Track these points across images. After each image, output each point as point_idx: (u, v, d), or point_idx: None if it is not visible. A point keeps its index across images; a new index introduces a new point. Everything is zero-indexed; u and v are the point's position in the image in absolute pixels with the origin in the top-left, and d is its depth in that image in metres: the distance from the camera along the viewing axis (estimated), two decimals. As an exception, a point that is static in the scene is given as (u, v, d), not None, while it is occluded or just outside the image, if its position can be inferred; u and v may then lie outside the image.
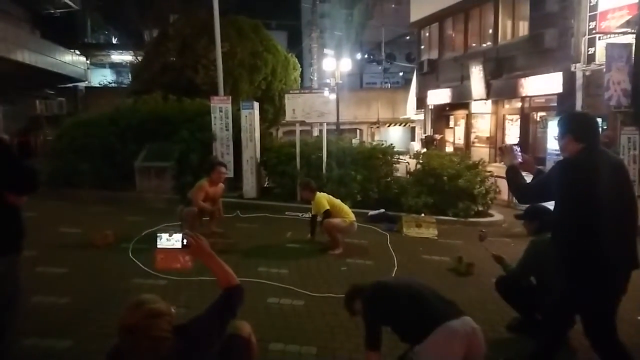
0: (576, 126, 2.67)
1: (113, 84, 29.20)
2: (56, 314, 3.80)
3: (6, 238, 2.47)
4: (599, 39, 9.87)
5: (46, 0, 22.53)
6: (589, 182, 2.51)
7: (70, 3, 23.40)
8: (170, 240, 2.10)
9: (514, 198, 3.05)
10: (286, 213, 7.84)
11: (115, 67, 32.52)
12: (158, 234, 2.11)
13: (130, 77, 19.88)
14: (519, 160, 2.93)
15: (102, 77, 30.49)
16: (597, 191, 2.48)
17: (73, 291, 4.27)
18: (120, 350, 1.90)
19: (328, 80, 22.86)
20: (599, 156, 2.59)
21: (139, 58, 18.95)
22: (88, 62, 28.01)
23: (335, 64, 20.04)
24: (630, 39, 8.84)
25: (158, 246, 2.10)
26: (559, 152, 9.08)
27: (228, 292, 2.16)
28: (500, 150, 3.07)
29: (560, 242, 2.66)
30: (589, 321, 2.66)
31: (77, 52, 25.92)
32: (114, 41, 33.15)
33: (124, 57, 29.49)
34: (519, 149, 2.99)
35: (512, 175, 2.88)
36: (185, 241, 2.09)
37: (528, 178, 2.97)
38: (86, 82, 27.20)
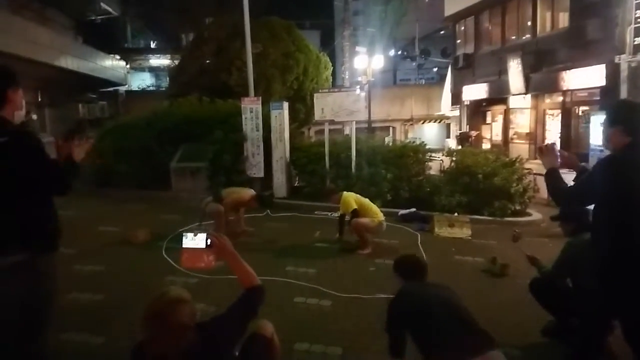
0: (629, 117, 2.42)
1: (152, 88, 30.15)
2: (91, 311, 3.95)
3: (43, 237, 2.57)
4: (647, 28, 9.33)
5: (88, 8, 23.50)
6: (632, 180, 2.33)
7: (111, 10, 24.34)
8: (195, 240, 2.16)
9: (555, 203, 2.76)
10: (315, 212, 7.84)
11: (154, 70, 33.58)
12: (184, 233, 2.18)
13: (168, 80, 20.46)
14: (559, 161, 2.66)
15: (141, 81, 31.53)
16: (637, 189, 2.32)
17: (108, 288, 4.43)
18: (143, 347, 1.96)
19: (359, 78, 22.73)
20: None
21: (176, 62, 19.51)
22: (128, 66, 29.04)
23: (367, 61, 19.88)
24: (681, 26, 8.31)
25: (183, 245, 2.16)
26: (602, 148, 8.63)
27: (249, 292, 2.19)
28: (539, 150, 2.73)
29: (599, 242, 2.51)
30: (629, 326, 2.50)
31: (117, 57, 26.92)
32: (153, 46, 34.24)
33: (162, 61, 30.42)
34: (558, 147, 2.75)
35: (552, 179, 2.59)
36: (209, 241, 2.14)
37: (570, 176, 2.77)
38: (126, 85, 28.21)
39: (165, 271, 4.84)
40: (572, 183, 2.73)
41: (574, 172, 2.86)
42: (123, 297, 4.17)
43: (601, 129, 2.61)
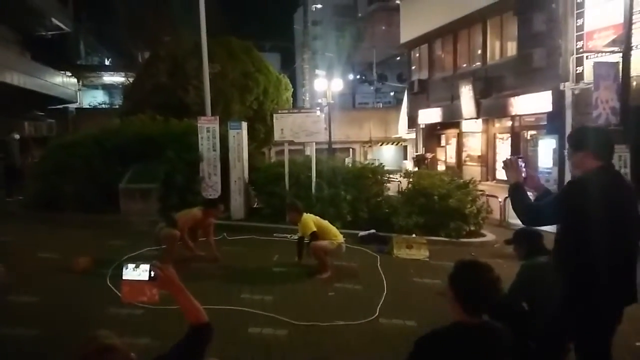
0: (597, 142, 2.46)
1: (105, 105, 29.12)
2: (23, 347, 3.57)
3: None
4: (587, 58, 9.93)
5: (38, 23, 22.52)
6: (605, 205, 2.31)
7: (62, 25, 23.45)
8: (137, 271, 1.94)
9: (519, 219, 2.62)
10: (274, 234, 7.64)
11: (107, 88, 32.47)
12: (124, 264, 1.95)
13: (121, 98, 19.81)
14: (524, 176, 2.64)
15: (92, 98, 30.43)
16: (612, 217, 2.31)
17: (44, 322, 4.04)
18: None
19: (320, 100, 22.94)
20: (612, 177, 2.44)
21: (131, 79, 18.96)
22: (80, 83, 27.96)
23: (327, 84, 20.13)
24: (617, 57, 8.89)
25: (123, 277, 1.94)
26: (550, 170, 8.93)
27: (196, 330, 1.99)
28: (504, 164, 2.72)
29: (563, 264, 2.49)
30: (583, 351, 2.49)
31: (68, 74, 25.87)
32: (107, 63, 33.25)
33: (115, 78, 29.51)
34: (523, 163, 2.70)
35: (517, 194, 2.55)
36: (152, 273, 1.93)
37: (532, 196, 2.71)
38: (77, 103, 27.08)
39: (108, 302, 4.47)
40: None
41: (536, 193, 2.83)
42: (60, 332, 3.80)
43: (555, 153, 2.63)
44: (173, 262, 5.44)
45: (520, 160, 2.70)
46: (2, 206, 9.77)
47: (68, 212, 8.64)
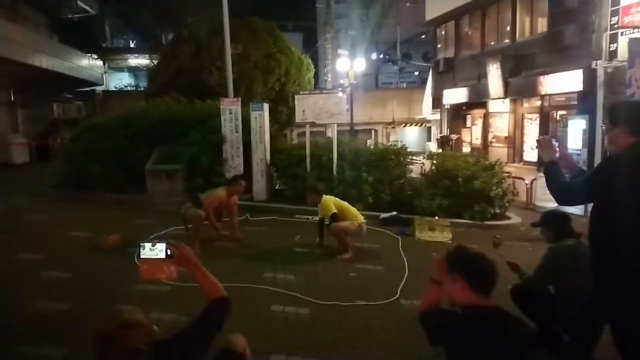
0: (634, 117, 2.37)
1: (130, 88, 29.57)
2: (56, 321, 3.73)
3: None
4: (622, 35, 9.47)
5: (64, 6, 22.87)
6: (636, 182, 2.23)
7: (88, 8, 23.74)
8: (154, 250, 2.00)
9: (554, 199, 2.55)
10: (296, 216, 7.70)
11: (132, 70, 32.92)
12: (141, 244, 2.01)
13: (146, 80, 20.06)
14: (558, 155, 2.59)
15: (118, 81, 30.90)
16: None
17: (75, 297, 4.20)
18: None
19: (342, 81, 22.71)
20: None
21: (155, 61, 19.14)
22: (106, 66, 28.41)
23: (349, 64, 19.87)
24: (655, 33, 8.47)
25: (141, 256, 2.00)
26: (579, 152, 8.67)
27: (213, 305, 2.04)
28: (537, 143, 2.66)
29: (594, 245, 2.42)
30: (621, 337, 2.43)
31: (94, 56, 26.30)
32: (132, 45, 33.59)
33: (140, 60, 29.84)
34: (557, 143, 2.65)
35: (552, 172, 2.50)
36: (169, 251, 1.98)
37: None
38: (103, 85, 27.58)
39: (136, 279, 4.61)
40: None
41: (569, 172, 2.75)
42: (90, 306, 3.94)
43: (585, 133, 2.54)
44: (199, 241, 5.61)
45: (553, 139, 2.65)
46: (34, 186, 10.12)
47: (97, 192, 8.90)
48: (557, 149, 2.59)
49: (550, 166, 2.53)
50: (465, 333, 1.92)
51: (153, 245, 1.99)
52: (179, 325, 3.49)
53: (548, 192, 2.58)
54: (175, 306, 3.93)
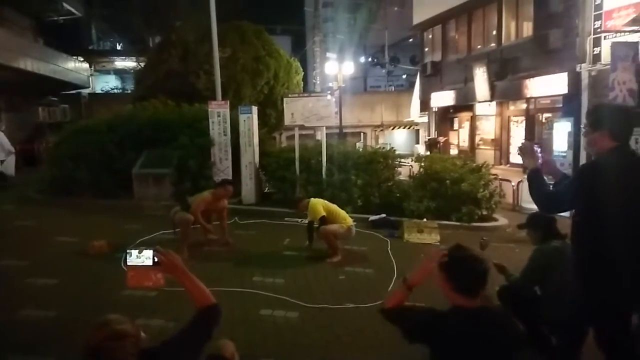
0: (615, 121, 2.36)
1: (117, 90, 29.30)
2: (42, 328, 3.68)
3: None
4: (605, 39, 9.66)
5: (49, 8, 22.59)
6: (621, 187, 2.25)
7: (74, 10, 23.48)
8: (141, 258, 1.97)
9: (538, 207, 2.58)
10: (285, 219, 7.68)
11: (119, 73, 32.63)
12: (127, 251, 1.98)
13: (133, 83, 19.90)
14: (540, 161, 2.57)
15: (104, 84, 30.61)
16: (629, 199, 2.26)
17: (62, 303, 4.15)
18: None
19: (331, 84, 22.77)
20: (630, 158, 2.36)
21: (142, 64, 19.01)
22: (92, 68, 28.11)
23: (338, 67, 19.94)
24: (636, 37, 8.64)
25: (128, 263, 1.97)
26: (565, 154, 8.78)
27: (203, 313, 2.01)
28: (519, 150, 2.67)
29: (580, 248, 2.44)
30: (603, 335, 2.47)
31: (80, 59, 26.02)
32: (118, 48, 33.32)
33: (127, 63, 29.59)
34: (539, 149, 2.64)
35: (535, 180, 2.48)
36: (156, 258, 1.96)
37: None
38: (90, 88, 27.28)
39: (123, 284, 4.55)
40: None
41: (553, 178, 2.78)
42: (77, 313, 3.90)
43: (570, 136, 2.57)
44: (187, 245, 5.57)
45: (536, 145, 2.65)
46: (20, 191, 9.96)
47: (84, 197, 8.78)
48: (540, 155, 2.59)
49: (533, 174, 2.52)
50: (453, 334, 1.93)
51: (140, 252, 1.97)
52: (167, 331, 3.49)
53: None
54: (163, 312, 3.90)
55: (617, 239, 2.26)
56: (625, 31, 9.00)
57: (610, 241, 2.27)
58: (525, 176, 2.64)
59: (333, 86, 21.36)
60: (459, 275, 1.97)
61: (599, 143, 2.38)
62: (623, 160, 2.32)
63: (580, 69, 10.31)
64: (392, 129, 27.36)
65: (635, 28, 8.56)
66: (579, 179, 2.41)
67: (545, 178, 2.54)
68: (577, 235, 2.48)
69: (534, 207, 3.17)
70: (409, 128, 26.74)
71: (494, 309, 2.08)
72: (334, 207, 5.78)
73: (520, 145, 2.72)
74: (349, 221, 5.68)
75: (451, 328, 1.94)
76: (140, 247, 2.01)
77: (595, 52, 9.94)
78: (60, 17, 24.03)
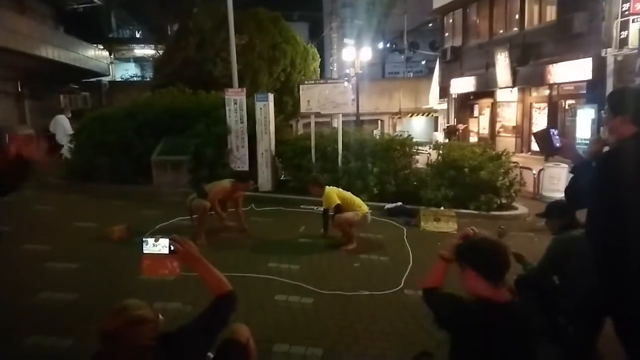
0: (635, 105, 2.24)
1: (136, 78, 29.61)
2: (62, 311, 3.78)
3: None
4: (633, 22, 9.32)
5: (69, -4, 22.92)
6: (638, 175, 2.15)
7: (93, -2, 23.74)
8: (157, 246, 1.99)
9: (567, 201, 2.49)
10: (301, 206, 7.70)
11: (138, 61, 32.94)
12: (143, 239, 2.00)
13: (152, 71, 20.09)
14: (557, 145, 2.46)
15: (124, 71, 30.95)
16: None
17: (81, 287, 4.25)
18: (102, 357, 1.80)
19: (348, 71, 22.57)
20: None
21: (161, 52, 19.14)
22: (112, 56, 28.44)
23: (355, 53, 19.72)
24: (667, 20, 8.31)
25: (144, 252, 1.99)
26: (588, 141, 8.60)
27: (218, 301, 2.03)
28: (534, 136, 2.56)
29: (597, 241, 2.36)
30: (622, 325, 2.41)
31: (100, 47, 26.34)
32: (137, 36, 33.58)
33: (146, 51, 29.85)
34: (556, 131, 2.51)
35: (580, 172, 2.33)
36: (172, 247, 1.98)
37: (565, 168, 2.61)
38: (109, 76, 27.64)
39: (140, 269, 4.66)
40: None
41: (572, 162, 2.69)
42: (96, 297, 3.98)
43: (594, 123, 2.47)
44: (204, 231, 5.63)
45: (552, 129, 2.54)
46: (41, 177, 10.19)
47: (103, 183, 8.96)
48: (558, 139, 2.48)
49: (579, 165, 2.37)
50: (476, 324, 1.89)
51: (156, 241, 1.98)
52: (183, 315, 3.54)
53: (555, 182, 2.53)
54: (180, 295, 3.96)
55: (636, 230, 2.17)
56: (655, 13, 8.66)
57: (629, 233, 2.18)
58: (548, 163, 2.55)
59: (350, 73, 21.15)
60: (481, 262, 1.92)
61: (620, 129, 2.26)
62: None
63: (606, 53, 9.99)
64: (410, 116, 27.03)
65: (666, 10, 8.22)
66: (604, 169, 2.29)
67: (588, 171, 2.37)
68: (593, 225, 2.39)
69: (555, 195, 3.09)
70: (427, 115, 26.39)
71: (517, 303, 2.00)
72: (349, 194, 5.75)
73: (535, 132, 2.63)
74: (364, 208, 5.65)
75: (477, 319, 1.90)
76: (157, 235, 2.03)
77: (622, 36, 9.61)
78: (80, 5, 24.33)
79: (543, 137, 2.50)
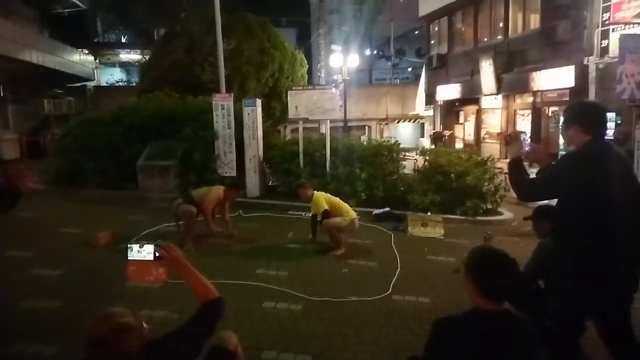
0: (585, 116, 2.48)
1: (122, 83, 29.34)
2: (47, 318, 3.71)
3: None
4: (613, 31, 9.55)
5: (54, 0, 22.62)
6: (597, 176, 2.32)
7: (78, 2, 23.50)
8: (142, 252, 1.95)
9: (515, 194, 2.61)
10: (289, 212, 7.70)
11: (124, 66, 32.65)
12: (128, 245, 1.96)
13: (138, 75, 19.93)
14: (526, 149, 2.66)
15: (110, 76, 30.66)
16: (605, 187, 2.31)
17: (67, 294, 4.18)
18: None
19: (335, 77, 22.67)
20: (606, 149, 2.42)
21: (147, 57, 19.03)
22: (97, 61, 28.15)
23: (343, 59, 19.83)
24: (646, 29, 8.53)
25: (128, 258, 1.95)
26: (571, 147, 8.68)
27: (206, 307, 2.01)
28: (505, 139, 2.76)
29: (564, 241, 2.47)
30: (604, 326, 2.47)
31: (85, 52, 26.06)
32: (123, 40, 33.31)
33: (132, 56, 29.62)
34: (525, 136, 2.72)
35: (515, 169, 2.55)
36: (157, 253, 1.95)
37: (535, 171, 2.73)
38: (95, 81, 27.34)
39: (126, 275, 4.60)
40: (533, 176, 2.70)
41: (539, 166, 2.81)
42: (82, 303, 3.92)
43: (560, 130, 2.61)
44: (191, 238, 5.58)
45: (522, 133, 2.72)
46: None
47: (89, 188, 8.85)
48: (527, 143, 2.68)
49: (515, 164, 2.57)
50: (469, 334, 1.82)
51: (141, 247, 1.94)
52: (170, 322, 3.51)
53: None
54: (166, 303, 3.92)
55: (603, 223, 2.30)
56: (634, 23, 8.88)
57: (597, 225, 2.31)
58: (532, 169, 2.66)
59: (338, 79, 21.24)
60: (482, 277, 1.86)
61: (575, 138, 2.46)
62: (600, 151, 2.39)
63: (588, 61, 10.20)
64: (397, 122, 27.22)
65: (645, 20, 8.44)
66: (562, 170, 2.45)
67: (525, 167, 2.59)
68: (561, 224, 2.52)
69: (538, 202, 3.15)
70: (414, 121, 26.60)
71: (513, 313, 1.96)
72: (337, 200, 5.78)
73: (505, 135, 2.79)
74: (352, 214, 5.67)
75: (466, 328, 1.84)
76: (142, 241, 2.00)
77: (603, 45, 9.83)
78: (65, 10, 24.07)
79: (515, 139, 2.65)
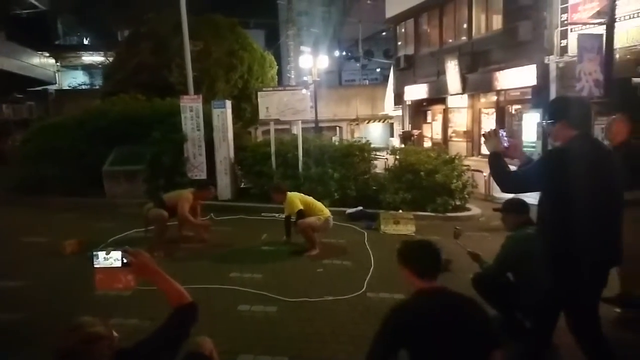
0: (571, 111, 2.48)
1: (85, 86, 28.45)
2: (10, 331, 3.55)
3: None
4: (571, 31, 9.95)
5: (12, 1, 21.73)
6: (582, 172, 2.33)
7: (37, 4, 22.65)
8: (109, 259, 1.87)
9: (497, 186, 2.72)
10: (262, 214, 7.65)
11: (87, 68, 31.67)
12: (94, 253, 1.88)
13: (102, 78, 19.37)
14: (505, 145, 2.69)
15: (72, 79, 29.69)
16: (588, 183, 2.34)
17: (31, 305, 4.02)
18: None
19: (305, 78, 22.69)
20: (592, 144, 2.46)
21: (111, 59, 18.52)
22: (58, 64, 27.21)
23: (312, 61, 19.88)
24: (601, 29, 8.92)
25: (95, 266, 1.88)
26: (534, 144, 9.02)
27: (179, 312, 1.96)
28: (483, 136, 2.80)
29: (546, 236, 2.51)
30: (573, 318, 2.55)
31: (46, 54, 25.15)
32: (86, 42, 32.33)
33: (95, 58, 28.76)
34: (504, 133, 2.76)
35: (494, 161, 2.61)
36: (125, 259, 1.87)
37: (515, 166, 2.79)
38: (57, 84, 26.42)
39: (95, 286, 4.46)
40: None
41: (519, 163, 2.86)
42: (48, 315, 3.78)
43: (539, 126, 2.66)
44: (163, 243, 5.47)
45: (501, 130, 2.76)
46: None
47: (53, 195, 8.53)
48: (505, 139, 2.69)
49: (495, 157, 2.63)
50: (416, 315, 2.08)
51: (108, 254, 1.87)
52: (142, 330, 3.42)
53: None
54: (137, 311, 3.82)
55: (584, 218, 2.32)
56: (590, 23, 9.27)
57: (577, 220, 2.33)
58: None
59: (308, 80, 21.28)
60: (414, 260, 2.21)
61: (561, 134, 2.48)
62: (587, 146, 2.41)
63: (549, 60, 10.59)
64: (368, 122, 27.51)
65: (600, 20, 8.82)
66: (547, 163, 2.48)
67: (505, 161, 2.64)
68: (542, 218, 2.55)
69: (505, 196, 3.23)
70: (383, 122, 26.94)
71: (453, 291, 2.22)
72: (311, 200, 5.78)
73: (484, 132, 2.83)
74: (326, 213, 5.69)
75: (413, 310, 2.11)
76: (108, 247, 1.93)
77: (562, 44, 10.23)
78: (24, 11, 23.17)
79: (493, 136, 2.70)
